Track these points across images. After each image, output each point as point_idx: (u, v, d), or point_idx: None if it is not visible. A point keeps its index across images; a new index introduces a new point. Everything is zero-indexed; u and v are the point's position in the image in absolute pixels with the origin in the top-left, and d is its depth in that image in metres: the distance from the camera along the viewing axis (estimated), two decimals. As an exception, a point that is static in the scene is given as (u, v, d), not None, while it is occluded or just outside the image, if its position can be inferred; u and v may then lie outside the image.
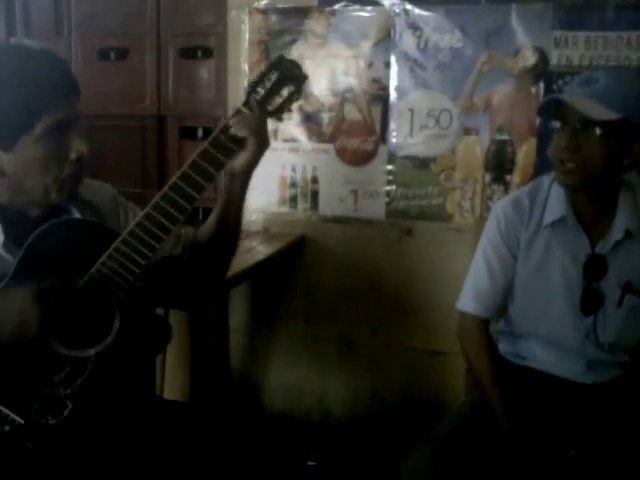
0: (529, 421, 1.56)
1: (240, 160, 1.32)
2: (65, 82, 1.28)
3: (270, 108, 1.31)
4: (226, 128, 1.28)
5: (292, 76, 1.30)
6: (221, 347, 2.49)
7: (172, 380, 2.37)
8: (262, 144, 1.32)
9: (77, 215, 1.36)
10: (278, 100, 1.31)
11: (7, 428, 1.21)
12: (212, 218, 1.44)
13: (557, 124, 1.51)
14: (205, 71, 2.71)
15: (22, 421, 1.21)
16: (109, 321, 1.26)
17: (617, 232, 1.57)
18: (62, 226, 1.28)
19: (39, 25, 2.85)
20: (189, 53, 2.72)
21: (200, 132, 2.76)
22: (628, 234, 1.57)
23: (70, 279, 1.24)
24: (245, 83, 2.59)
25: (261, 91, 1.29)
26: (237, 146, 1.29)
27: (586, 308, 1.61)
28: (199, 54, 2.72)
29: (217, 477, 1.40)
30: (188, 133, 2.78)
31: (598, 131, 1.46)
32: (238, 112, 1.30)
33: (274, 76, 1.29)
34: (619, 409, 1.61)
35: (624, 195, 1.59)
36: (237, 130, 1.27)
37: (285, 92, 1.30)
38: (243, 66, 2.61)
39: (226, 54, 2.63)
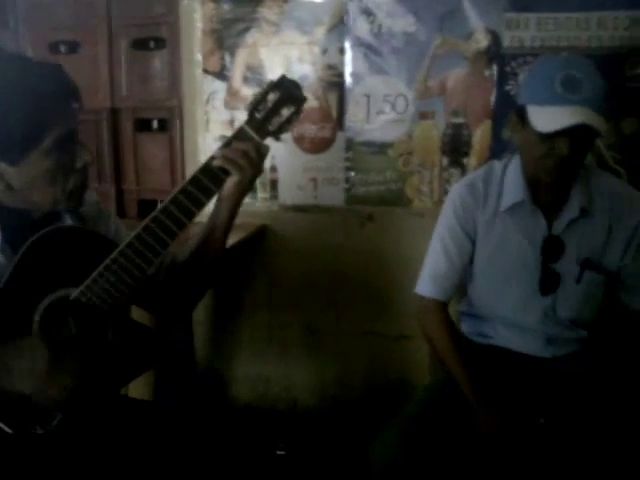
0: (495, 395, 1.59)
1: (229, 186, 1.32)
2: (69, 91, 1.27)
3: (271, 128, 1.31)
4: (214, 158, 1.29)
5: (292, 97, 1.31)
6: (185, 341, 2.48)
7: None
8: (253, 174, 1.32)
9: (69, 222, 1.36)
10: (278, 120, 1.31)
11: (7, 428, 1.21)
12: (194, 240, 1.44)
13: (553, 140, 1.49)
14: (158, 62, 2.66)
15: (10, 430, 1.20)
16: (101, 334, 1.27)
17: (572, 210, 1.61)
18: (57, 234, 1.27)
19: (-19, 17, 2.77)
20: (141, 44, 2.67)
21: (155, 123, 2.72)
22: (583, 212, 1.60)
23: (63, 290, 1.24)
24: (199, 72, 2.59)
25: (263, 110, 1.30)
26: (226, 175, 1.29)
27: (544, 288, 1.65)
28: (152, 45, 2.67)
29: (186, 473, 1.40)
30: (143, 125, 2.74)
31: (589, 137, 1.48)
32: (229, 141, 1.30)
33: (275, 96, 1.30)
34: (578, 380, 1.66)
35: (578, 175, 1.62)
36: (222, 163, 1.27)
37: (285, 112, 1.31)
38: (197, 56, 2.58)
39: (179, 44, 2.60)
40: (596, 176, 1.67)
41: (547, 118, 1.46)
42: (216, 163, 1.28)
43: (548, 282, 1.65)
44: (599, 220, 1.63)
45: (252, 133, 1.29)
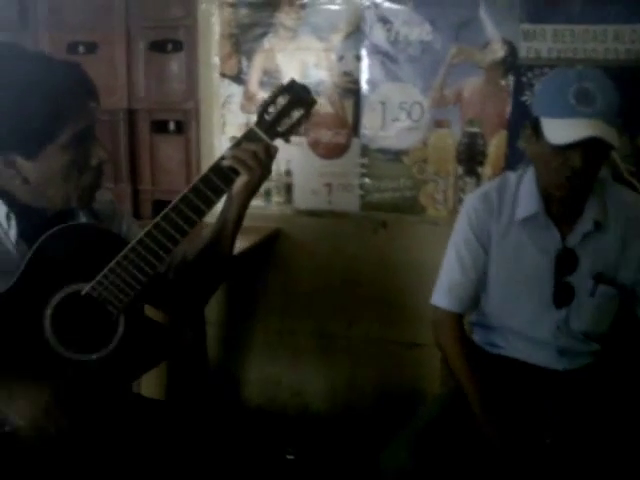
0: (504, 408, 1.59)
1: (238, 185, 1.36)
2: (87, 89, 1.30)
3: (280, 130, 1.35)
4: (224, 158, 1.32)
5: (302, 100, 1.35)
6: (198, 341, 2.49)
7: (149, 376, 2.36)
8: (262, 174, 1.36)
9: (83, 219, 1.39)
10: (288, 122, 1.35)
11: (7, 428, 1.21)
12: (204, 239, 1.47)
13: (567, 152, 1.49)
14: (175, 64, 2.68)
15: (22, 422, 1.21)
16: (113, 329, 1.29)
17: (586, 224, 1.61)
18: (70, 231, 1.30)
19: (2, 19, 2.79)
20: (159, 46, 2.69)
21: (172, 125, 2.74)
22: (597, 225, 1.61)
23: (76, 284, 1.27)
24: (216, 75, 2.60)
25: (272, 112, 1.34)
26: (236, 174, 1.33)
27: (558, 301, 1.66)
28: (169, 47, 2.69)
29: (196, 474, 1.41)
30: (159, 127, 2.76)
31: (603, 150, 1.49)
32: (239, 142, 1.34)
33: (285, 99, 1.34)
34: (591, 394, 1.66)
35: (592, 189, 1.62)
36: (232, 163, 1.31)
37: (295, 115, 1.35)
38: (214, 59, 2.60)
39: (196, 47, 2.62)
40: (611, 189, 1.68)
41: (560, 130, 1.47)
42: (226, 163, 1.32)
43: (562, 295, 1.65)
44: (614, 234, 1.63)
45: (261, 134, 1.34)
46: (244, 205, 1.41)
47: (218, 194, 1.32)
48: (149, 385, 2.35)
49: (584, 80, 1.48)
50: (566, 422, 1.61)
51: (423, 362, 2.50)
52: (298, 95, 1.35)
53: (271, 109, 1.34)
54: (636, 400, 1.64)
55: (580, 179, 1.51)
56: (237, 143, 1.34)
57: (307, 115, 1.36)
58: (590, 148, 1.46)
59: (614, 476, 1.48)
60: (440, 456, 1.51)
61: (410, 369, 2.58)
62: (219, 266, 1.50)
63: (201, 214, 1.31)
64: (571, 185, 1.52)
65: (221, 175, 1.32)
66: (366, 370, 2.65)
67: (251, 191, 1.39)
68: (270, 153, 1.35)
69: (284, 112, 1.34)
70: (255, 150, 1.33)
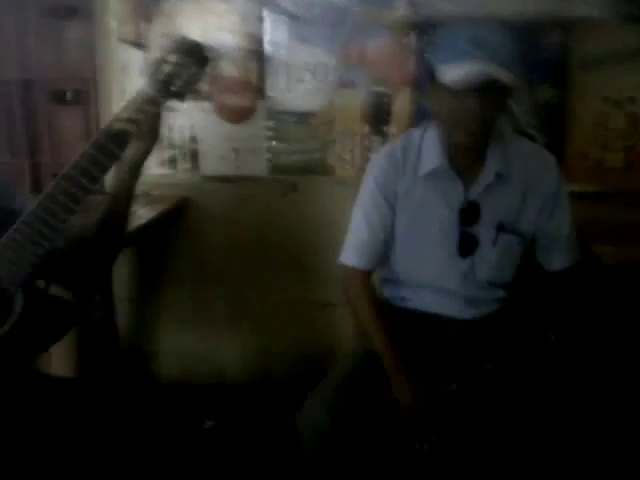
0: (414, 361, 1.61)
1: (130, 151, 1.31)
2: None
3: (173, 89, 1.31)
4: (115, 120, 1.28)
5: (195, 57, 1.31)
6: (107, 317, 2.43)
7: (58, 355, 2.29)
8: (152, 139, 1.34)
9: None
10: (181, 81, 1.31)
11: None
12: (100, 208, 1.41)
13: (459, 91, 1.49)
14: (71, 31, 2.57)
15: None
16: (9, 306, 1.24)
17: (488, 175, 1.64)
18: None
19: None
20: (53, 12, 2.57)
21: (69, 95, 2.63)
22: (499, 176, 1.63)
23: None
24: (114, 41, 2.51)
25: (164, 72, 1.29)
26: (128, 138, 1.28)
27: (463, 251, 1.68)
28: (63, 12, 2.57)
29: (114, 452, 1.38)
30: (57, 97, 2.65)
31: (497, 93, 1.50)
32: (131, 103, 1.29)
33: (177, 57, 1.30)
34: (497, 341, 1.70)
35: (492, 140, 1.64)
36: (123, 126, 1.27)
37: (189, 73, 1.31)
38: (112, 25, 2.50)
39: (93, 12, 2.51)
40: (512, 141, 1.70)
41: (454, 74, 1.48)
42: (117, 126, 1.27)
43: (466, 245, 1.68)
44: (515, 184, 1.66)
45: (153, 95, 1.30)
46: (135, 173, 1.37)
47: (111, 159, 1.27)
48: (59, 364, 2.28)
49: (478, 28, 1.51)
50: (473, 369, 1.65)
51: (338, 321, 2.52)
52: (191, 52, 1.31)
53: (163, 69, 1.30)
54: (540, 345, 1.69)
55: (479, 124, 1.52)
56: (128, 106, 1.29)
57: (201, 72, 1.32)
58: (486, 91, 1.47)
59: (519, 420, 1.52)
60: (354, 413, 1.52)
61: (325, 329, 2.60)
62: (116, 237, 1.45)
63: (94, 180, 1.26)
64: (471, 131, 1.53)
65: (113, 139, 1.27)
66: (281, 333, 2.65)
67: (142, 156, 1.35)
68: (159, 117, 1.33)
69: (177, 71, 1.30)
70: (145, 113, 1.29)
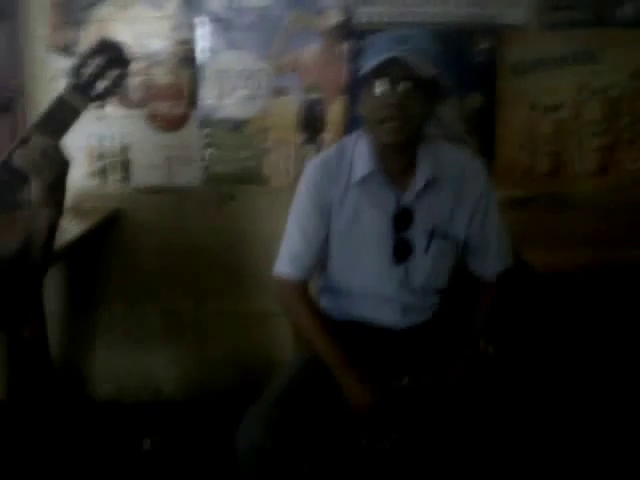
0: (358, 366, 1.61)
1: (35, 191, 1.25)
2: None
3: (93, 93, 1.26)
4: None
5: (116, 59, 1.28)
6: (38, 336, 2.36)
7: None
8: (58, 172, 1.24)
9: None
10: (102, 85, 1.27)
11: None
12: (19, 236, 1.35)
13: (379, 84, 1.53)
14: (-3, 37, 2.50)
15: None
16: None
17: (419, 182, 1.65)
18: None
19: None
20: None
21: (-4, 103, 2.56)
22: (430, 182, 1.65)
23: None
24: (43, 48, 2.43)
25: (84, 75, 1.25)
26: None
27: (398, 257, 1.69)
28: (-14, 17, 2.50)
29: (47, 476, 1.34)
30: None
31: (421, 89, 1.52)
32: (47, 113, 1.23)
33: (98, 60, 1.26)
34: (431, 348, 1.72)
35: (423, 146, 1.66)
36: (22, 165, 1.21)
37: (110, 76, 1.28)
38: (40, 30, 2.43)
39: (19, 17, 2.43)
40: (443, 147, 1.72)
41: (368, 66, 1.52)
42: (16, 163, 1.21)
43: (400, 251, 1.68)
44: (446, 190, 1.67)
45: (73, 100, 1.25)
46: (42, 212, 1.29)
47: (10, 195, 1.23)
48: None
49: (401, 30, 1.57)
50: (412, 380, 1.66)
51: (276, 331, 2.50)
52: (111, 54, 1.28)
53: (83, 72, 1.26)
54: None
55: (402, 120, 1.53)
56: (45, 115, 1.23)
57: (123, 74, 1.29)
58: (405, 82, 1.50)
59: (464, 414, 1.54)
60: (294, 426, 1.50)
61: (264, 339, 2.58)
62: (40, 256, 1.39)
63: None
64: (395, 128, 1.54)
65: (11, 174, 1.22)
66: (219, 346, 2.62)
67: (43, 193, 1.26)
68: (58, 150, 1.25)
69: (98, 74, 1.27)
70: (46, 149, 1.22)
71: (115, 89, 1.29)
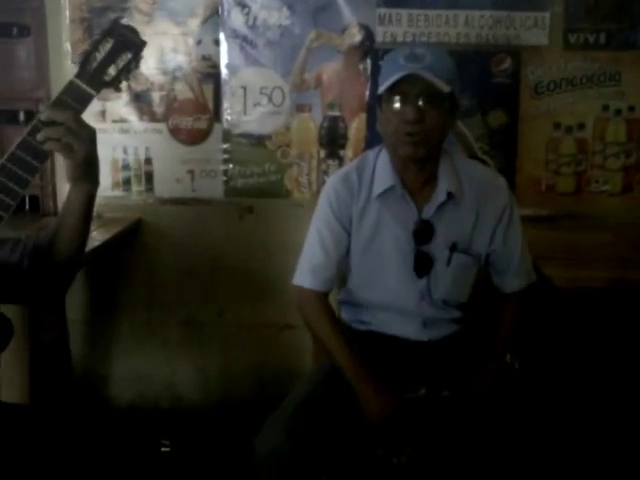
0: (378, 377, 1.61)
1: (68, 168, 1.23)
2: None
3: (107, 78, 1.23)
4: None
5: (128, 42, 1.24)
6: (60, 341, 2.38)
7: (9, 380, 2.23)
8: (83, 147, 1.21)
9: None
10: (114, 69, 1.23)
11: None
12: (54, 221, 1.36)
13: (397, 100, 1.55)
14: (23, 50, 2.53)
15: None
16: None
17: (440, 196, 1.66)
18: None
19: None
20: (3, 30, 2.53)
21: (22, 116, 2.58)
22: (450, 196, 1.66)
23: None
24: (67, 62, 2.47)
25: (95, 60, 1.22)
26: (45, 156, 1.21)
27: (419, 271, 1.69)
28: (15, 32, 2.54)
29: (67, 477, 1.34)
30: (9, 117, 2.60)
31: (437, 104, 1.54)
32: (58, 99, 1.21)
33: (109, 44, 1.23)
34: (452, 362, 1.71)
35: (443, 161, 1.68)
36: (48, 147, 1.18)
37: (122, 60, 1.24)
38: (65, 45, 2.47)
39: (45, 32, 2.48)
40: (463, 163, 1.73)
41: (387, 83, 1.54)
42: (38, 138, 1.19)
43: (422, 264, 1.69)
44: (468, 205, 1.68)
45: (84, 86, 1.22)
46: (79, 187, 1.27)
47: (32, 172, 1.20)
48: (11, 390, 2.22)
49: (416, 47, 1.59)
50: (432, 390, 1.66)
51: (296, 343, 2.51)
52: (123, 37, 1.24)
53: (94, 57, 1.22)
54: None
55: (421, 135, 1.55)
56: (57, 99, 1.21)
57: (136, 59, 1.26)
58: (423, 97, 1.53)
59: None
60: (313, 433, 1.51)
61: (283, 351, 2.59)
62: (73, 252, 1.40)
63: (15, 196, 1.19)
64: (414, 141, 1.56)
65: (32, 152, 1.19)
66: (239, 356, 2.63)
67: (78, 169, 1.24)
68: (80, 121, 1.21)
69: (109, 58, 1.23)
70: (67, 123, 1.19)
71: (127, 73, 1.26)
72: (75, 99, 1.21)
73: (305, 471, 1.50)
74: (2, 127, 2.58)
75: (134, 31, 1.25)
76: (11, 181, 1.19)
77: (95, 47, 1.22)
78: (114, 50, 1.23)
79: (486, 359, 1.71)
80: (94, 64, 1.22)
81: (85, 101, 1.22)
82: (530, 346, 1.80)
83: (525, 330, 1.77)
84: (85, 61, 1.22)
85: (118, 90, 1.27)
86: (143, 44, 1.26)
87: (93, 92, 1.22)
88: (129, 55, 1.24)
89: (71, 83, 1.22)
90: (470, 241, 1.69)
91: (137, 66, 1.27)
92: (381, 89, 1.57)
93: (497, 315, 1.77)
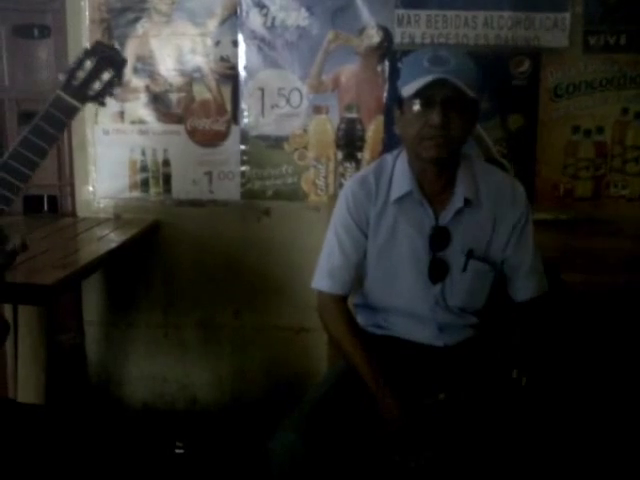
0: (394, 381, 1.61)
1: None
2: None
3: (91, 93, 1.37)
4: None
5: (110, 60, 1.37)
6: (76, 343, 2.40)
7: (26, 381, 2.25)
8: None
9: None
10: (98, 84, 1.37)
11: None
12: None
13: (421, 104, 1.54)
14: (44, 51, 2.55)
15: None
16: None
17: (457, 201, 1.65)
18: None
19: None
20: (24, 32, 2.55)
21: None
22: (467, 202, 1.65)
23: None
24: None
25: (80, 76, 1.35)
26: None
27: (433, 277, 1.69)
28: (35, 33, 2.56)
29: (82, 476, 1.36)
30: (28, 117, 2.61)
31: (462, 110, 1.54)
32: (45, 112, 1.35)
33: (93, 61, 1.36)
34: (469, 369, 1.69)
35: (462, 167, 1.67)
36: None
37: (105, 76, 1.37)
38: (85, 46, 2.47)
39: (65, 33, 2.50)
40: (481, 168, 1.73)
41: (412, 87, 1.53)
42: None
43: (437, 270, 1.68)
44: (485, 212, 1.67)
45: (69, 99, 1.35)
46: None
47: (32, 168, 1.38)
48: (27, 388, 2.25)
49: (439, 50, 1.58)
50: (448, 397, 1.64)
51: (311, 346, 2.52)
52: (106, 56, 1.36)
53: (79, 74, 1.35)
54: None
55: (443, 137, 1.55)
56: (44, 112, 1.35)
57: (118, 75, 1.39)
58: (446, 102, 1.52)
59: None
60: (327, 435, 1.51)
61: (299, 354, 2.59)
62: None
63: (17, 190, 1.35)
64: (436, 143, 1.55)
65: (33, 149, 1.38)
66: (254, 358, 2.64)
67: None
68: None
69: (93, 75, 1.36)
70: None
71: (109, 89, 1.39)
72: (61, 111, 1.36)
73: (320, 474, 1.50)
74: (22, 128, 2.59)
75: (116, 50, 1.41)
76: (13, 176, 1.33)
77: (79, 64, 1.36)
78: (97, 67, 1.36)
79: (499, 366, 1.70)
80: (79, 79, 1.36)
81: (71, 113, 1.37)
82: (540, 362, 1.77)
83: (534, 345, 1.74)
84: (71, 77, 1.35)
85: (102, 105, 1.40)
86: (124, 62, 1.41)
87: (78, 105, 1.37)
88: (112, 72, 1.37)
89: (57, 96, 1.36)
90: (487, 248, 1.69)
91: (120, 83, 1.41)
92: (406, 91, 1.55)
93: (507, 325, 1.76)
